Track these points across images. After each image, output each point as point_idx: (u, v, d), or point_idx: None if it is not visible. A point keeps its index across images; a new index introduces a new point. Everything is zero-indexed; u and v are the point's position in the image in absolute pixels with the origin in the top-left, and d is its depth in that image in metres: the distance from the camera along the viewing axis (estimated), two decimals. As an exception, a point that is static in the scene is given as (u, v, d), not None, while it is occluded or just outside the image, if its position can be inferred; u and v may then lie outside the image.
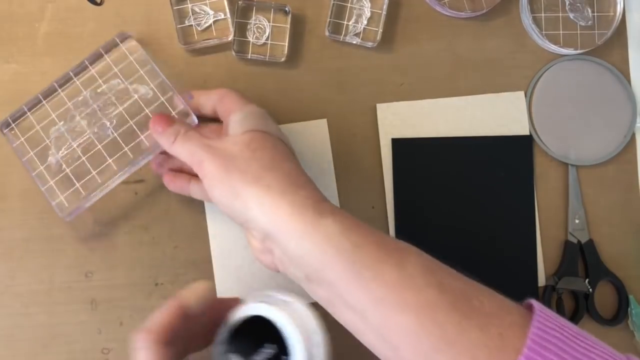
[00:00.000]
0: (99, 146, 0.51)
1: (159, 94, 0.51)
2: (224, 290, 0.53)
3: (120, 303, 0.53)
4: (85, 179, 0.50)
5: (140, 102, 0.51)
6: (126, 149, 0.51)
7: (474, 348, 0.33)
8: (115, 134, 0.51)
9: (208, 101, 0.48)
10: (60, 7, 0.54)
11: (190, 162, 0.43)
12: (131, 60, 0.51)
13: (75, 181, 0.50)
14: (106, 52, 0.51)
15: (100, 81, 0.51)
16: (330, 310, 0.39)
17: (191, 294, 0.38)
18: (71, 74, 0.51)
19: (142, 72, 0.51)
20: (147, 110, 0.51)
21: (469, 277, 0.38)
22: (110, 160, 0.50)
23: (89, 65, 0.51)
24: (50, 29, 0.53)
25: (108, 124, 0.51)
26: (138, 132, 0.51)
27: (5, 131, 0.50)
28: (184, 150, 0.43)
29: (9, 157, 0.52)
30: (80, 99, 0.51)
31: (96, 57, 0.52)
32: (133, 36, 0.51)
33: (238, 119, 0.44)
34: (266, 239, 0.40)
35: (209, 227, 0.53)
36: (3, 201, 0.52)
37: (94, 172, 0.50)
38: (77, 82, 0.51)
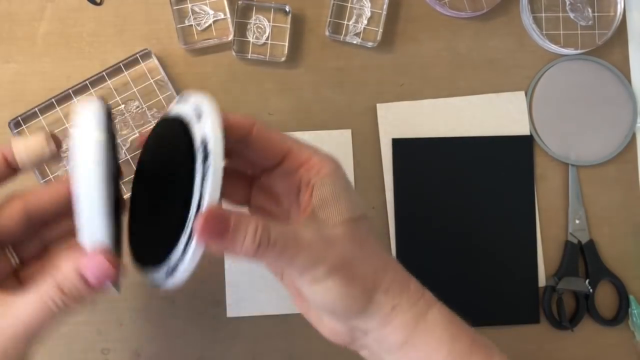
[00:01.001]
0: None
1: None
2: (235, 289, 0.53)
3: (120, 303, 0.53)
4: None
5: None
6: None
7: None
8: (129, 157, 0.51)
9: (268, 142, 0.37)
10: (60, 7, 0.54)
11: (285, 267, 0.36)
12: (151, 83, 0.52)
13: None
14: (126, 69, 0.52)
15: (118, 99, 0.52)
16: None
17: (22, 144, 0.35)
18: (88, 83, 0.51)
19: (161, 97, 0.52)
20: None
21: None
22: (120, 182, 0.51)
23: (107, 78, 0.52)
24: (50, 29, 0.53)
25: (122, 146, 0.51)
26: None
27: (15, 131, 0.50)
28: (275, 260, 0.33)
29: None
30: None
31: (115, 71, 0.52)
32: (154, 54, 0.52)
33: (330, 195, 0.35)
34: (358, 330, 0.37)
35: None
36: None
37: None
38: (94, 95, 0.51)
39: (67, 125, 0.51)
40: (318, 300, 0.35)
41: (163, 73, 0.52)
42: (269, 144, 0.37)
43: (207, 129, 0.32)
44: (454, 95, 0.55)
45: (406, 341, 0.35)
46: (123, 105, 0.51)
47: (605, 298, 0.55)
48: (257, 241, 0.31)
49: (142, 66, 0.52)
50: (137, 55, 0.52)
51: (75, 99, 0.51)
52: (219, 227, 0.31)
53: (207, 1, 0.54)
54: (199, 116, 0.33)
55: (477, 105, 0.55)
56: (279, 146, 0.37)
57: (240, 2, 0.54)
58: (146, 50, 0.52)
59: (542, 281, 0.54)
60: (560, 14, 0.56)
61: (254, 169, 0.40)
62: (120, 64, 0.52)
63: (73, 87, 0.51)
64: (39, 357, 0.52)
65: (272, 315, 0.53)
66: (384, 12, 0.54)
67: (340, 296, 0.34)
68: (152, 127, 0.37)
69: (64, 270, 0.33)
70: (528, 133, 0.55)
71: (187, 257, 0.32)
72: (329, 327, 0.38)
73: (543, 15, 0.56)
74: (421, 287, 0.36)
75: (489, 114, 0.55)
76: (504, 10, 0.56)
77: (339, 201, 0.35)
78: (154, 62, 0.52)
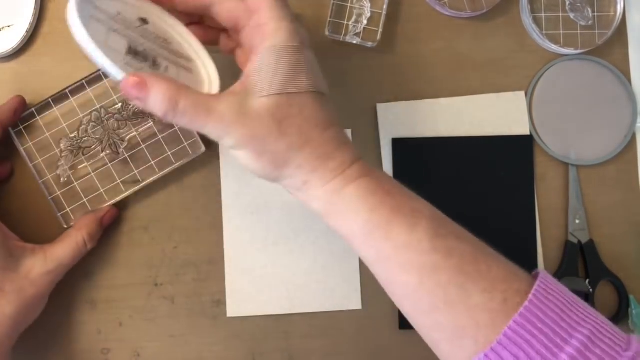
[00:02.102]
0: (109, 164, 0.51)
1: None
2: (235, 289, 0.53)
3: (119, 303, 0.53)
4: (93, 195, 0.51)
5: (155, 129, 0.51)
6: (136, 172, 0.51)
7: (476, 310, 0.34)
8: (127, 155, 0.51)
9: None
10: (60, 7, 0.54)
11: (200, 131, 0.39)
12: None
13: (82, 196, 0.51)
14: None
15: (115, 97, 0.51)
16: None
17: None
18: (84, 83, 0.51)
19: None
20: (160, 137, 0.51)
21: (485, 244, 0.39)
22: (119, 181, 0.51)
23: (104, 78, 0.51)
24: (50, 29, 0.53)
25: (120, 144, 0.51)
26: (149, 156, 0.51)
27: (13, 132, 0.50)
28: (189, 123, 0.38)
29: (8, 157, 0.52)
30: (93, 113, 0.51)
31: None
32: None
33: (266, 66, 0.37)
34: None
35: (225, 228, 0.53)
36: (3, 201, 0.52)
37: (102, 190, 0.51)
38: (91, 94, 0.51)
39: (64, 124, 0.51)
40: (236, 160, 0.39)
41: None
42: (219, 13, 0.41)
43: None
44: (454, 95, 0.55)
45: (324, 212, 0.39)
46: (120, 104, 0.51)
47: (605, 298, 0.55)
48: (164, 106, 0.36)
49: None
50: None
51: (72, 99, 0.51)
52: (139, 85, 0.36)
53: (207, 1, 0.54)
54: None
55: (477, 105, 0.55)
56: (229, 14, 0.40)
57: (240, 2, 0.53)
58: None
59: (542, 281, 0.54)
60: (560, 14, 0.56)
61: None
62: None
63: (70, 86, 0.51)
64: (40, 357, 0.52)
65: (272, 315, 0.53)
66: (384, 12, 0.54)
67: (250, 165, 0.38)
68: None
69: (88, 220, 0.49)
70: (528, 133, 0.55)
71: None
72: None
73: (543, 15, 0.56)
74: (346, 163, 0.38)
75: (489, 114, 0.55)
76: (504, 10, 0.56)
77: (271, 75, 0.37)
78: None
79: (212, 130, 0.37)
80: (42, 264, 0.47)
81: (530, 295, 0.34)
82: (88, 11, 0.39)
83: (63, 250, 0.48)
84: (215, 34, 0.45)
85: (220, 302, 0.53)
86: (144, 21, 0.44)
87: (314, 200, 0.39)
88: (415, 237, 0.36)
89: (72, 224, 0.50)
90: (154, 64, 0.42)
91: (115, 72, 0.37)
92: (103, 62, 0.37)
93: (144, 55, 0.41)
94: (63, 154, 0.51)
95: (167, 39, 0.44)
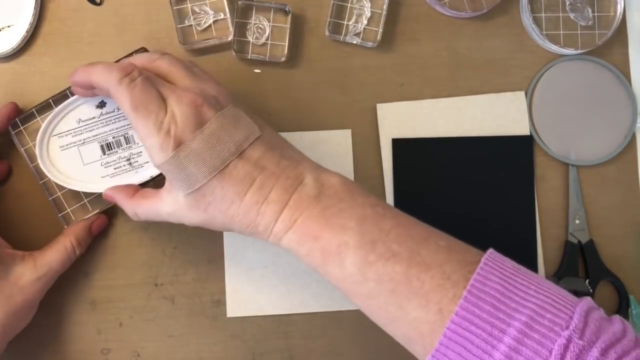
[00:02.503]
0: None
1: None
2: (235, 289, 0.53)
3: (119, 303, 0.53)
4: (93, 195, 0.50)
5: None
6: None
7: (416, 323, 0.37)
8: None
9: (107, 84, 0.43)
10: (60, 7, 0.54)
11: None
12: None
13: (83, 196, 0.50)
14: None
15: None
16: None
17: None
18: None
19: None
20: None
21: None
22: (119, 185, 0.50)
23: None
24: (50, 29, 0.53)
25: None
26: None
27: (13, 133, 0.50)
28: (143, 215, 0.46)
29: (9, 157, 0.52)
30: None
31: None
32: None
33: (167, 178, 0.42)
34: None
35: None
36: (3, 201, 0.52)
37: (102, 190, 0.50)
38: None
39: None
40: None
41: None
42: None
43: None
44: (454, 95, 0.55)
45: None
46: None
47: (605, 298, 0.55)
48: (130, 214, 0.46)
49: None
50: (133, 54, 0.51)
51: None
52: (110, 199, 0.47)
53: (207, 1, 0.54)
54: None
55: (477, 105, 0.55)
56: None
57: (240, 2, 0.54)
58: (142, 50, 0.51)
59: (542, 281, 0.54)
60: (560, 14, 0.56)
61: None
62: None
63: (70, 87, 0.51)
64: (39, 357, 0.52)
65: (272, 315, 0.53)
66: (384, 12, 0.54)
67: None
68: None
69: (76, 227, 0.50)
70: (528, 133, 0.55)
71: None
72: None
73: (543, 15, 0.56)
74: (271, 223, 0.41)
75: (489, 114, 0.55)
76: (504, 10, 0.56)
77: (173, 183, 0.41)
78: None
79: (172, 223, 0.44)
80: (31, 271, 0.47)
81: (461, 300, 0.36)
82: (55, 145, 0.47)
83: (52, 256, 0.48)
84: None
85: (220, 302, 0.53)
86: (102, 105, 0.48)
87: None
88: (347, 273, 0.39)
89: (73, 224, 0.50)
90: (127, 142, 0.48)
91: (96, 191, 0.48)
92: (83, 191, 0.48)
93: (117, 142, 0.48)
94: None
95: None
